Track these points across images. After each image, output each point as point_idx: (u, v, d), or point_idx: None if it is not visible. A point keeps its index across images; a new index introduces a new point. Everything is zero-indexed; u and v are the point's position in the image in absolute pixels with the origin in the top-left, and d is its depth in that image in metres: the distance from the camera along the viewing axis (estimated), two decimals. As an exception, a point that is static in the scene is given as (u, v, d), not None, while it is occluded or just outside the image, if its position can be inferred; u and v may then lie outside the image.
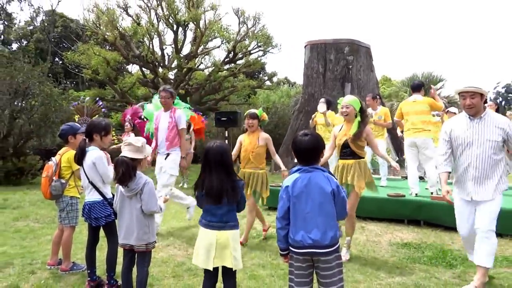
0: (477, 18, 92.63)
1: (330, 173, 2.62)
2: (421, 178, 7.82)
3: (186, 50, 17.34)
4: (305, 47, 12.99)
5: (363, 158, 4.58)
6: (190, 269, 4.21)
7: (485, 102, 3.91)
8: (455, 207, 3.86)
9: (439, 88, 16.15)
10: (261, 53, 17.35)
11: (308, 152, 2.60)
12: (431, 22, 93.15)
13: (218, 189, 2.77)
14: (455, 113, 8.68)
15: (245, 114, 5.27)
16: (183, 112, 5.90)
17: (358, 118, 4.49)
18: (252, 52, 17.24)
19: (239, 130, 17.13)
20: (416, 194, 6.33)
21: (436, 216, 5.82)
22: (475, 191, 3.61)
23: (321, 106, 7.70)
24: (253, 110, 5.19)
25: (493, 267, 3.87)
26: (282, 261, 2.78)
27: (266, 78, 22.93)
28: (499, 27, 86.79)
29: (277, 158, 5.39)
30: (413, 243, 5.13)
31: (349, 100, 4.57)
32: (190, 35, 17.34)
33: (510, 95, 45.28)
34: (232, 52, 16.86)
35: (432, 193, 6.22)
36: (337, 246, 2.56)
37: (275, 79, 22.20)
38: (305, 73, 12.97)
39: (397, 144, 10.81)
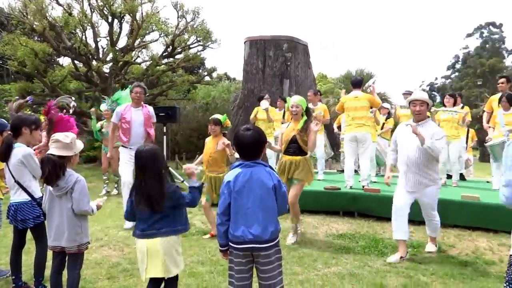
0: (405, 19, 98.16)
1: (271, 168, 2.64)
2: (355, 171, 8.16)
3: (122, 43, 16.64)
4: (244, 43, 13.02)
5: (307, 154, 4.91)
6: (126, 269, 4.08)
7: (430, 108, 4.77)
8: (397, 188, 4.53)
9: (367, 86, 16.86)
10: (200, 48, 17.11)
11: (250, 147, 2.60)
12: (363, 21, 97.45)
13: (147, 195, 2.67)
14: (387, 109, 9.15)
15: (209, 119, 5.32)
16: (152, 107, 6.23)
17: (305, 117, 4.86)
18: (191, 46, 16.95)
19: (179, 126, 16.94)
20: (351, 186, 6.59)
21: (368, 207, 6.11)
22: (413, 183, 4.31)
23: (264, 103, 7.87)
24: (216, 116, 5.27)
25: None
26: (221, 257, 2.76)
27: (205, 73, 22.69)
28: (425, 28, 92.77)
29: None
30: (348, 233, 5.34)
31: (298, 100, 4.95)
32: (126, 27, 16.67)
33: (433, 93, 48.59)
34: (170, 46, 16.47)
35: (363, 186, 6.50)
36: (277, 240, 2.59)
37: (214, 75, 22.06)
38: (244, 69, 13.00)
39: (333, 139, 11.19)
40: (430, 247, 4.66)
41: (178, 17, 16.08)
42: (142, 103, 6.00)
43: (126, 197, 5.46)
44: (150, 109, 6.11)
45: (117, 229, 5.72)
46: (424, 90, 39.55)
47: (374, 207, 6.03)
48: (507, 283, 1.96)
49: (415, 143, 4.19)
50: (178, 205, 2.81)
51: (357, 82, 6.92)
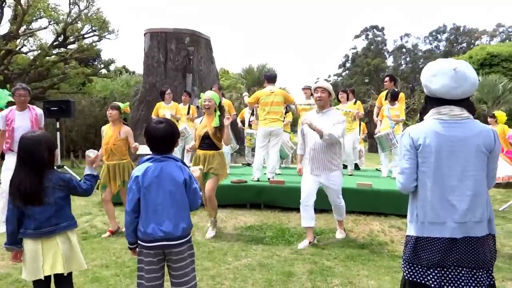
0: (302, 17, 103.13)
1: (183, 163, 2.56)
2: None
3: (4, 29, 14.92)
4: (144, 35, 12.51)
5: (221, 149, 5.01)
6: (18, 280, 3.67)
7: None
8: (303, 178, 4.73)
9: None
10: (96, 38, 16.08)
11: (162, 140, 2.48)
12: (263, 16, 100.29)
13: (30, 188, 2.45)
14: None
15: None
16: (41, 110, 5.77)
17: (218, 112, 4.87)
18: (85, 36, 15.83)
19: (73, 122, 15.72)
20: (258, 179, 6.73)
21: (274, 199, 6.30)
22: (320, 168, 4.57)
23: (167, 113, 8.05)
24: (114, 102, 5.28)
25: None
26: (131, 255, 2.61)
27: (102, 65, 21.37)
28: (321, 27, 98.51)
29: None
30: (255, 225, 5.45)
31: (211, 95, 4.95)
32: (9, 12, 14.99)
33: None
34: (62, 35, 15.19)
35: (269, 178, 6.69)
36: (189, 236, 2.53)
37: (112, 67, 20.86)
38: (145, 62, 12.50)
39: (237, 134, 11.34)
40: (340, 234, 4.99)
41: (70, 4, 14.88)
42: (28, 105, 5.53)
43: (4, 205, 4.97)
44: (38, 111, 5.67)
45: (3, 236, 5.10)
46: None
47: (279, 198, 6.25)
48: (405, 262, 2.14)
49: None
50: (73, 194, 2.65)
51: (272, 77, 6.94)
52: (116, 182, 5.13)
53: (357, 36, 52.68)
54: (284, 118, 9.16)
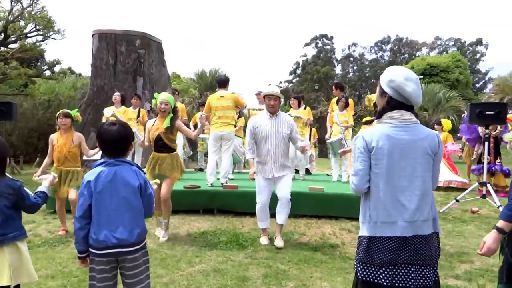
0: (255, 24, 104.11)
1: (139, 167, 2.49)
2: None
3: None
4: (93, 36, 12.09)
5: (176, 151, 5.07)
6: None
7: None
8: (257, 182, 4.86)
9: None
10: (40, 37, 15.32)
11: (116, 143, 2.40)
12: (217, 21, 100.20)
13: None
14: (239, 108, 9.53)
15: (57, 114, 5.22)
16: None
17: (171, 114, 4.93)
18: (28, 35, 15.04)
19: (14, 125, 14.80)
20: (211, 184, 6.69)
21: (227, 203, 6.30)
22: (275, 170, 4.76)
23: (108, 111, 7.96)
24: (65, 110, 5.24)
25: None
26: (79, 265, 2.50)
27: (45, 66, 20.38)
28: (273, 34, 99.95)
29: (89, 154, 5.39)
30: (209, 231, 5.41)
31: (167, 97, 4.97)
32: None
33: (280, 95, 52.30)
34: (2, 34, 14.33)
35: (222, 183, 6.67)
36: (144, 243, 2.46)
37: (57, 68, 19.94)
38: (93, 64, 12.05)
39: (190, 139, 11.20)
40: (280, 242, 4.79)
41: (12, 1, 14.09)
42: None
43: None
44: None
45: None
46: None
47: (233, 203, 6.25)
48: (358, 262, 2.21)
49: (274, 132, 4.73)
50: (19, 205, 2.52)
51: (222, 81, 6.94)
52: (65, 188, 5.06)
53: (307, 44, 53.95)
54: (236, 123, 9.21)
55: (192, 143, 10.39)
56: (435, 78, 28.65)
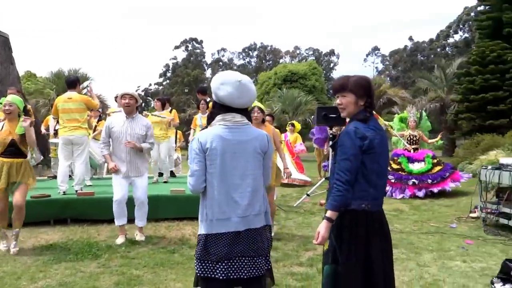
0: (125, 23, 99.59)
1: None
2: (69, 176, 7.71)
3: None
4: None
5: (27, 156, 4.85)
6: None
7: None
8: (114, 180, 4.99)
9: (85, 87, 16.38)
10: None
11: None
12: (77, 17, 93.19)
13: None
14: (99, 112, 9.06)
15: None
16: None
17: (22, 118, 4.62)
18: None
19: None
20: (64, 192, 6.19)
21: (83, 212, 5.89)
22: (130, 170, 4.92)
23: None
24: None
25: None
26: None
27: None
28: (141, 36, 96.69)
29: None
30: (59, 242, 4.99)
31: (12, 99, 4.70)
32: None
33: (148, 98, 51.32)
34: None
35: (76, 191, 6.22)
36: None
37: None
38: None
39: (43, 144, 10.19)
40: (142, 237, 5.16)
41: None
42: None
43: None
44: None
45: None
46: (139, 94, 41.22)
47: (89, 211, 5.89)
48: (196, 260, 2.28)
49: (130, 133, 4.89)
50: None
51: (71, 82, 6.52)
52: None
53: (177, 47, 53.67)
54: (97, 126, 8.69)
55: (43, 146, 9.46)
56: (295, 84, 31.08)
